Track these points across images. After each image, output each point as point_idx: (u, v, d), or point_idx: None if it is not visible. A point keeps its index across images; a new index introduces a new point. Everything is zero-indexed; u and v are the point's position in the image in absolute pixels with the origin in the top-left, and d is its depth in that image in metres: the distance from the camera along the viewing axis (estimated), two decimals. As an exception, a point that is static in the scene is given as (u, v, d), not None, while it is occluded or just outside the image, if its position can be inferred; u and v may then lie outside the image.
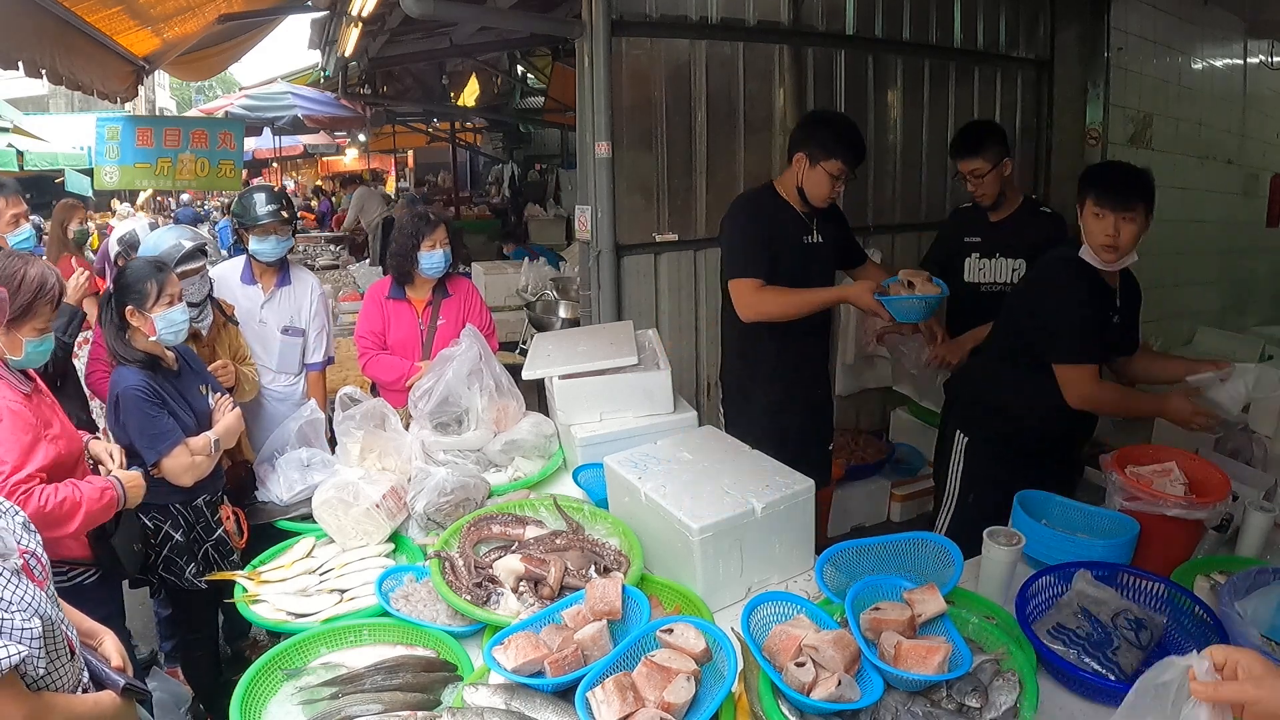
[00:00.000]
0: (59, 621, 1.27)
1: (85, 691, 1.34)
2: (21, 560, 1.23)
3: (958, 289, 3.10)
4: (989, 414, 2.52)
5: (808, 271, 2.68)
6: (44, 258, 3.38)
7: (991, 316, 2.65)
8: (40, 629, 1.18)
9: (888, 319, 2.50)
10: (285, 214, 3.17)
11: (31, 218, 3.18)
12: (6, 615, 1.14)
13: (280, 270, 3.25)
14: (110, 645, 1.54)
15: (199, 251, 2.70)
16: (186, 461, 2.23)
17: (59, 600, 1.37)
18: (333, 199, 13.96)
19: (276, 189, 3.71)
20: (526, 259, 5.89)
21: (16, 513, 1.33)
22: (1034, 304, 2.33)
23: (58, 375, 2.69)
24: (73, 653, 1.30)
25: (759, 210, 2.70)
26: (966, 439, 2.58)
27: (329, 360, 3.41)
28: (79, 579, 2.09)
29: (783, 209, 2.69)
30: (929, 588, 1.49)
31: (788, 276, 2.62)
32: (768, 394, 2.77)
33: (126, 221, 3.34)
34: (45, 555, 1.34)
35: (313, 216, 13.27)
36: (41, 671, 1.22)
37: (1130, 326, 2.35)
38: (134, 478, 2.07)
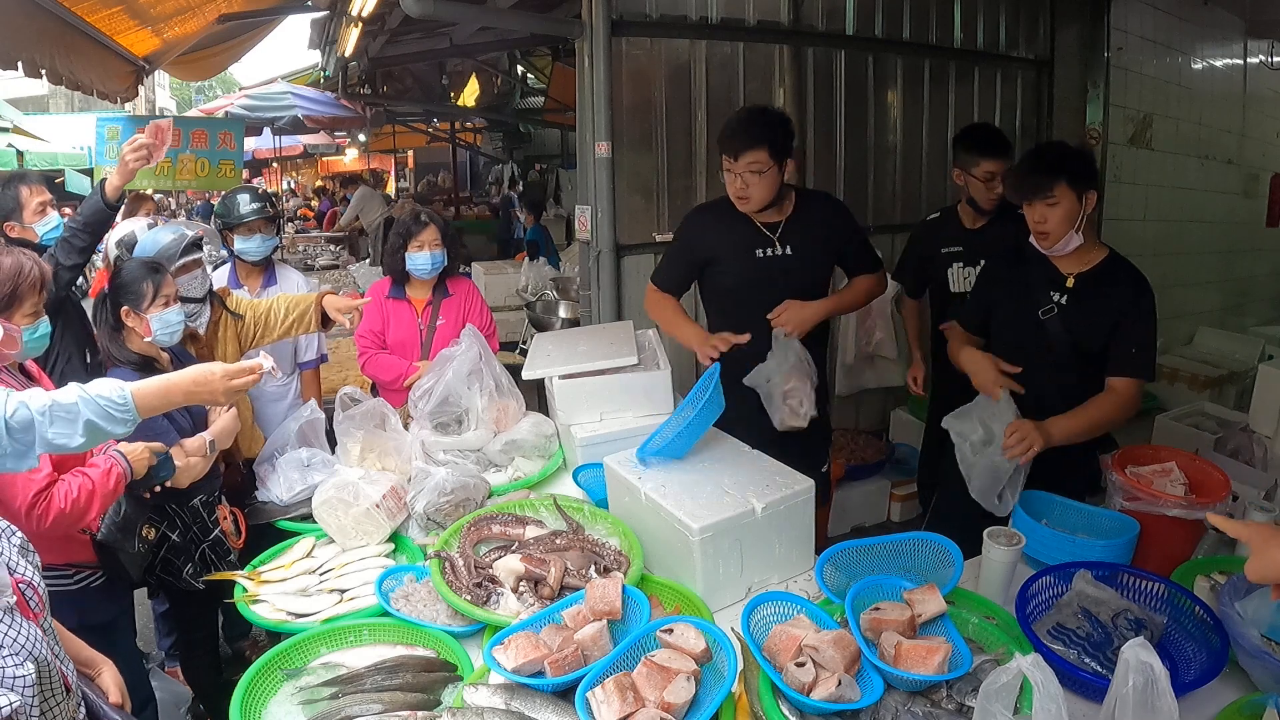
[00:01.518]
0: (54, 660, 1.21)
1: None
2: (16, 594, 1.17)
3: (945, 299, 3.10)
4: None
5: (760, 285, 2.48)
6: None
7: None
8: (34, 674, 1.12)
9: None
10: (270, 211, 3.16)
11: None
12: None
13: (265, 270, 3.25)
14: (108, 677, 1.50)
15: (196, 245, 2.68)
16: (181, 463, 2.23)
17: (56, 631, 1.32)
18: (334, 199, 13.96)
19: (261, 191, 3.71)
20: (527, 260, 5.89)
21: (14, 533, 1.27)
22: None
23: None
24: (68, 690, 1.25)
25: (699, 222, 2.62)
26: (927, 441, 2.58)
27: (322, 358, 3.41)
28: (85, 582, 2.08)
29: (737, 220, 2.50)
30: (929, 588, 1.49)
31: (736, 291, 2.53)
32: (735, 402, 2.49)
33: (125, 223, 3.29)
34: (41, 581, 1.28)
35: (313, 215, 13.30)
36: (36, 716, 1.15)
37: (1079, 329, 2.12)
38: (136, 449, 2.02)
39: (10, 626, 1.12)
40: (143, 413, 1.55)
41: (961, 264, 3.08)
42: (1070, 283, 2.15)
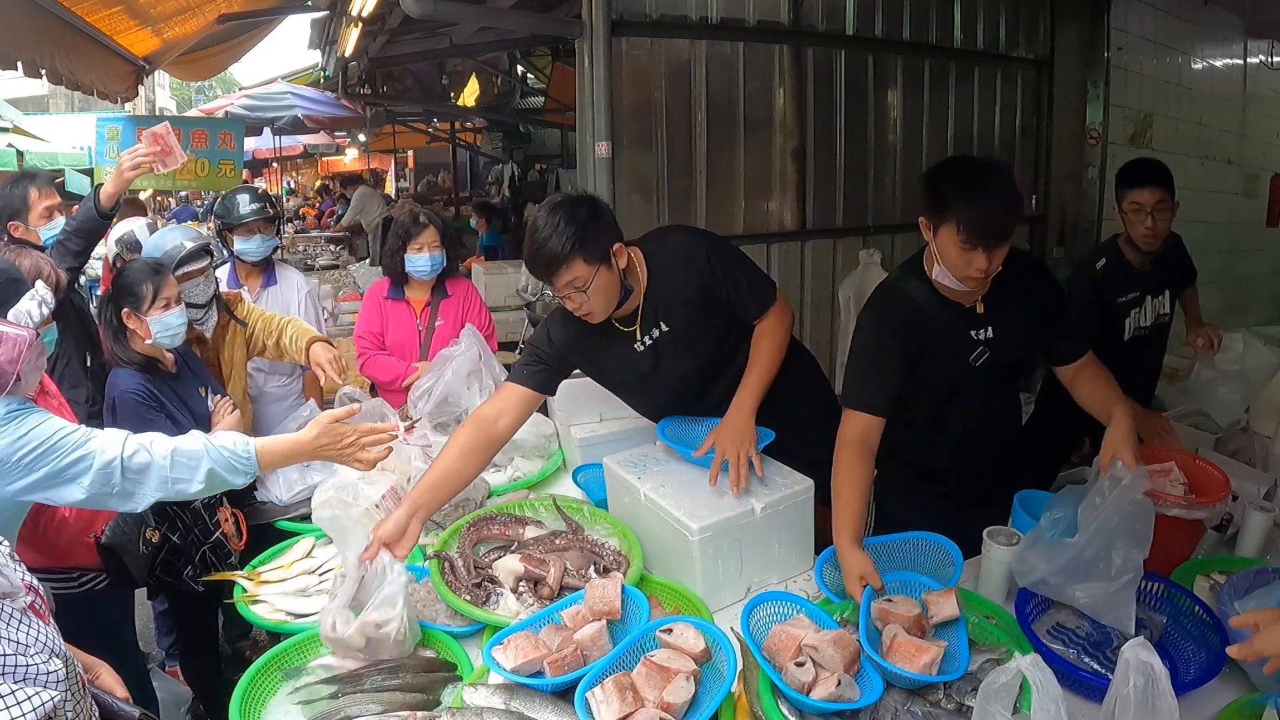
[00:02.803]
0: (73, 660, 1.22)
1: None
2: (29, 598, 1.17)
3: (1118, 350, 2.71)
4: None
5: (641, 380, 2.07)
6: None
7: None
8: (63, 670, 1.13)
9: None
10: (269, 212, 3.15)
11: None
12: (29, 660, 1.08)
13: (265, 270, 3.24)
14: (108, 678, 1.51)
15: (203, 252, 2.65)
16: None
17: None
18: (333, 199, 13.97)
19: (261, 191, 3.70)
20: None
21: (1, 543, 1.26)
22: None
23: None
24: (83, 687, 1.26)
25: (567, 326, 2.01)
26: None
27: None
28: (89, 584, 2.08)
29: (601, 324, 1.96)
30: (947, 592, 1.49)
31: (618, 388, 2.18)
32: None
33: (125, 222, 3.28)
34: (41, 585, 1.28)
35: (314, 213, 13.31)
36: (70, 716, 1.15)
37: (1008, 352, 1.92)
38: None
39: (31, 626, 1.13)
40: (263, 468, 1.68)
41: (1138, 309, 2.84)
42: (980, 309, 1.88)
